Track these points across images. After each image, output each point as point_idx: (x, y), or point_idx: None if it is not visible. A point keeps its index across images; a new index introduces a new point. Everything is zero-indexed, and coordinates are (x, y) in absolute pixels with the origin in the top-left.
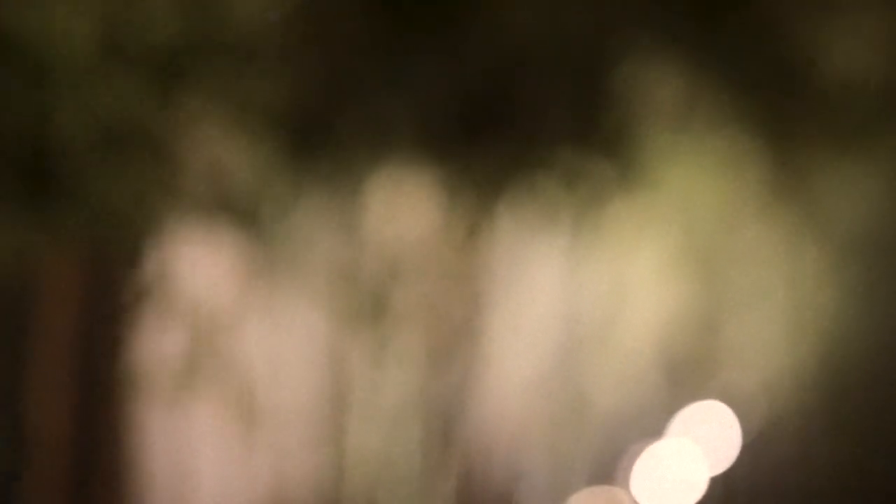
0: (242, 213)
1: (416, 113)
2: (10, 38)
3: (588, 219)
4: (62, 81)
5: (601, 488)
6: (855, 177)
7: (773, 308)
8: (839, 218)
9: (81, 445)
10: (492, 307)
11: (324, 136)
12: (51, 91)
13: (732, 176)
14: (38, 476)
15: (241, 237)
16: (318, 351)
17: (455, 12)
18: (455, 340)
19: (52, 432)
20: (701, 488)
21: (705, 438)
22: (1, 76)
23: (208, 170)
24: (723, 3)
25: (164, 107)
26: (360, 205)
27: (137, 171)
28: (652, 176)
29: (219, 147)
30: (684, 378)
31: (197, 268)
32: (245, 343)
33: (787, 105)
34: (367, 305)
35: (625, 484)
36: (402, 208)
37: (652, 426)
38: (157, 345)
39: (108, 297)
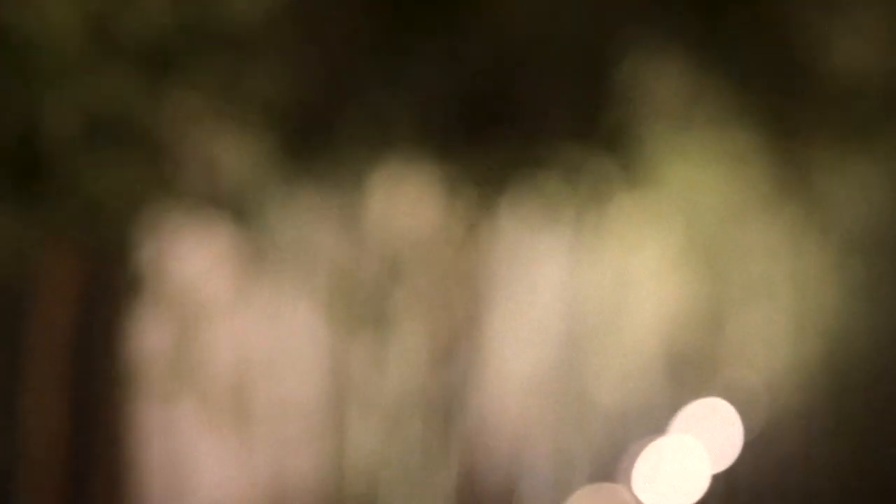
0: (240, 210)
1: (416, 111)
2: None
3: (590, 216)
4: (53, 76)
5: (603, 485)
6: (858, 174)
7: (775, 306)
8: (842, 215)
9: (78, 442)
10: (493, 305)
11: (324, 134)
12: (41, 86)
13: (735, 173)
14: (35, 472)
15: (238, 234)
16: (318, 349)
17: (456, 11)
18: (456, 338)
19: (49, 429)
20: (703, 485)
21: (708, 436)
22: None
23: (204, 166)
24: (725, 2)
25: (158, 102)
26: (360, 203)
27: (131, 168)
28: (654, 173)
29: (215, 143)
30: (687, 375)
31: (194, 265)
32: (244, 340)
33: (789, 103)
34: (368, 303)
35: (627, 481)
36: (402, 206)
37: (654, 424)
38: (153, 341)
39: (104, 293)
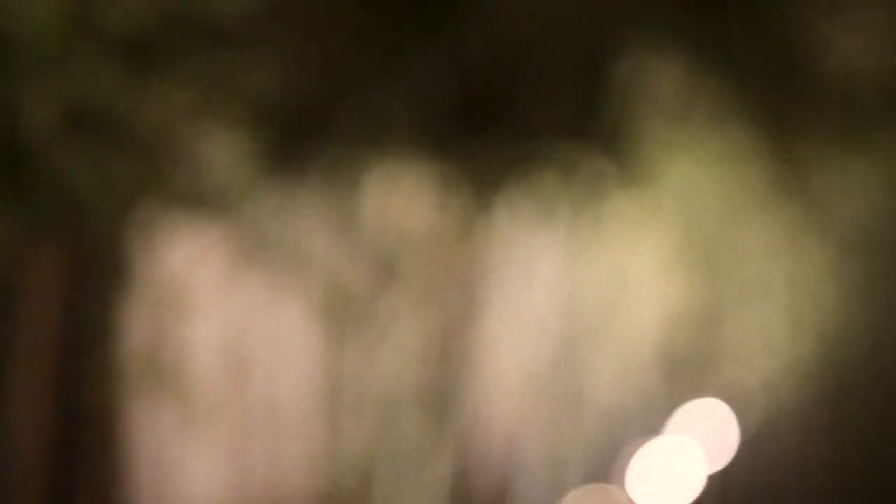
0: (231, 208)
1: (412, 108)
2: None
3: (586, 215)
4: (35, 69)
5: (598, 486)
6: (857, 174)
7: (773, 305)
8: (841, 215)
9: (67, 441)
10: (489, 303)
11: (319, 130)
12: (23, 79)
13: (733, 173)
14: (23, 471)
15: (230, 231)
16: (312, 346)
17: (454, 7)
18: (451, 336)
19: (37, 427)
20: (699, 486)
21: (704, 436)
22: None
23: (192, 162)
24: (724, 0)
25: (143, 96)
26: (355, 200)
27: (117, 163)
28: (651, 172)
29: (204, 139)
30: (683, 375)
31: (183, 262)
32: (236, 338)
33: (788, 102)
34: (363, 301)
35: (622, 481)
36: (398, 204)
37: (650, 423)
38: (143, 338)
39: (91, 290)
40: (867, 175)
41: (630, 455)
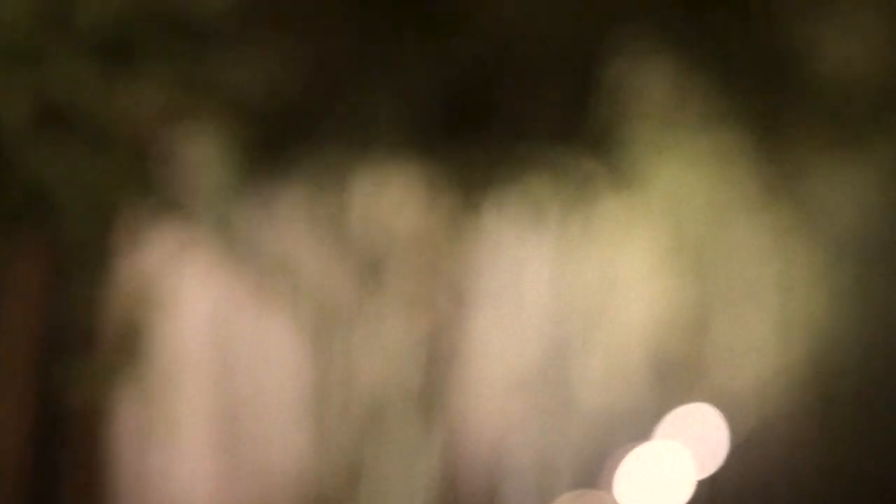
0: (211, 209)
1: (401, 109)
2: None
3: (576, 217)
4: (4, 63)
5: (587, 491)
6: (847, 176)
7: (763, 309)
8: (831, 218)
9: (47, 447)
10: (477, 306)
11: (305, 131)
12: None
13: (722, 174)
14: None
15: (214, 232)
16: (298, 349)
17: (441, 5)
18: (439, 340)
19: (14, 433)
20: (688, 491)
21: (693, 441)
22: None
23: (174, 162)
24: (714, 2)
25: (119, 94)
26: (341, 202)
27: (93, 162)
28: (641, 174)
29: (186, 139)
30: (673, 379)
31: (163, 262)
32: (221, 339)
33: (778, 103)
34: (349, 304)
35: (611, 486)
36: (385, 206)
37: (639, 428)
38: (123, 339)
39: (69, 289)
40: (858, 177)
41: (619, 460)
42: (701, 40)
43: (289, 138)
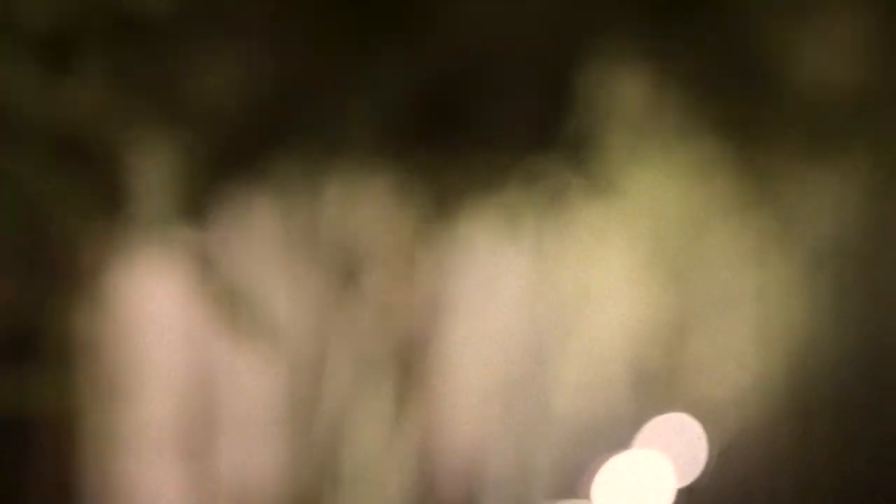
0: (178, 219)
1: (373, 116)
2: None
3: (551, 226)
4: None
5: (566, 501)
6: (825, 184)
7: (741, 318)
8: (809, 226)
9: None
10: (452, 315)
11: (274, 137)
12: None
13: (700, 183)
14: None
15: (182, 242)
16: (271, 357)
17: (415, 9)
18: (413, 348)
19: None
20: (667, 500)
21: (672, 450)
22: None
23: (130, 171)
24: (690, 7)
25: (64, 96)
26: (313, 210)
27: (40, 171)
28: (617, 182)
29: (142, 145)
30: (651, 388)
31: (129, 275)
32: (196, 348)
33: (756, 111)
34: (322, 312)
35: (589, 496)
36: (357, 214)
37: (618, 437)
38: (103, 353)
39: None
40: (835, 187)
41: (597, 469)
42: (678, 49)
43: (257, 146)
